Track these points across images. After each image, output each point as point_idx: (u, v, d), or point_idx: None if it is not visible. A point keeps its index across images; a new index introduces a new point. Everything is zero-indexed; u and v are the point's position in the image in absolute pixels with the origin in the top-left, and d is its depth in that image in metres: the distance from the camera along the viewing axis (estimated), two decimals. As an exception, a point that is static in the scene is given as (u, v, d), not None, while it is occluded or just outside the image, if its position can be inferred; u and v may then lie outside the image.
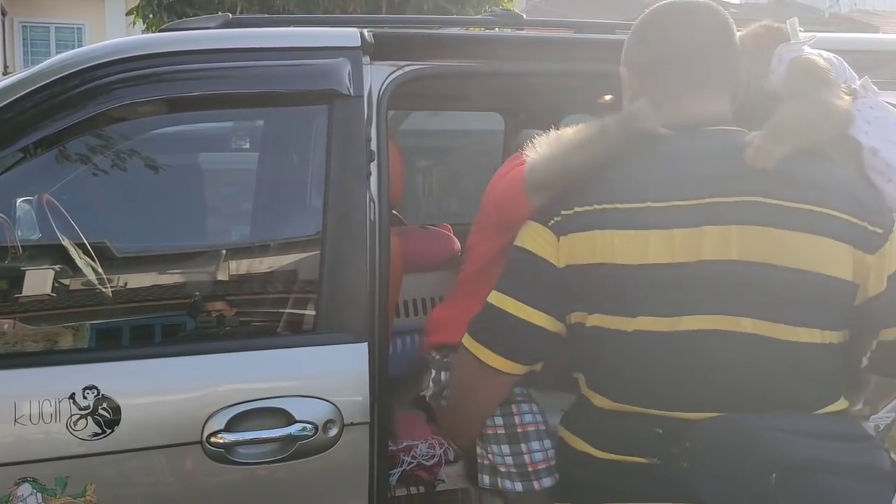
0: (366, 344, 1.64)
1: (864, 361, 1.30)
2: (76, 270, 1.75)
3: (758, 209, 1.18)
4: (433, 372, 1.61)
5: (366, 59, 1.75)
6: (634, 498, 1.20)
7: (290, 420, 1.57)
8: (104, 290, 1.77)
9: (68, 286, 1.76)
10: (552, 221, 1.27)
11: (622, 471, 1.22)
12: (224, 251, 1.82)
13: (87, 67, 1.65)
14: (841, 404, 1.23)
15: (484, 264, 1.55)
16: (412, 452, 1.92)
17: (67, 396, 1.49)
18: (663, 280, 1.18)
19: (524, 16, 2.28)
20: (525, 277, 1.30)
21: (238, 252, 1.83)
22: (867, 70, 2.16)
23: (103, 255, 1.78)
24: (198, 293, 1.81)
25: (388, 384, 1.67)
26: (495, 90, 2.59)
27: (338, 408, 1.59)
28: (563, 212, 1.26)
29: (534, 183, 1.36)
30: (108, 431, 1.51)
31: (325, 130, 1.71)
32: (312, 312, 1.69)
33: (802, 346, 1.19)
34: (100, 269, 1.76)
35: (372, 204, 1.70)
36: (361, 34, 1.75)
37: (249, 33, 1.79)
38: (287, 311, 1.79)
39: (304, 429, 1.57)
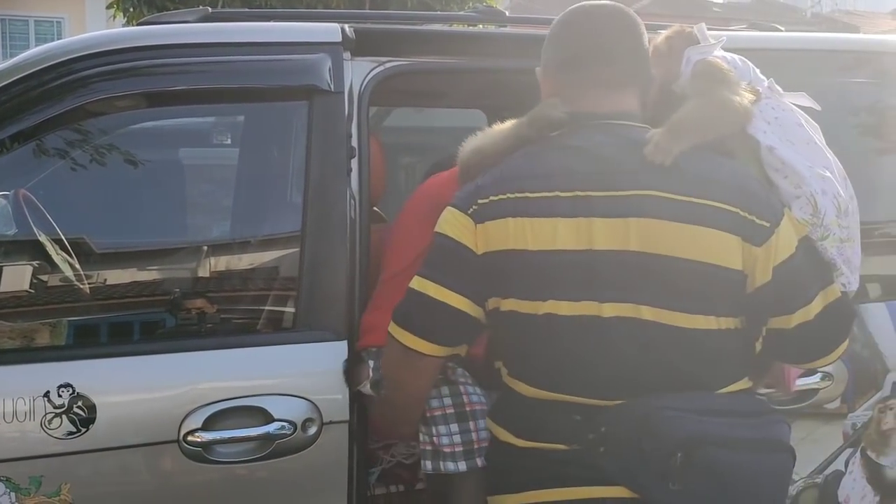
0: (345, 342, 1.63)
1: (758, 347, 1.37)
2: (54, 267, 1.72)
3: (654, 203, 1.24)
4: (370, 363, 1.61)
5: (346, 55, 1.74)
6: (555, 484, 1.26)
7: (269, 419, 1.56)
8: (81, 286, 1.75)
9: (46, 283, 1.73)
10: (470, 209, 1.31)
11: (543, 458, 1.27)
12: (202, 248, 1.80)
13: (65, 61, 1.63)
14: (743, 384, 1.30)
15: (410, 262, 1.55)
16: (391, 451, 1.92)
17: (42, 394, 1.47)
18: (570, 266, 1.25)
19: (507, 13, 2.28)
20: (446, 262, 1.34)
21: (216, 249, 1.81)
22: (849, 69, 2.20)
23: (81, 251, 1.76)
24: (176, 290, 1.79)
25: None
26: (478, 87, 2.58)
27: (317, 406, 1.58)
28: (479, 200, 1.30)
29: (462, 168, 1.44)
30: (84, 430, 1.49)
31: (305, 126, 1.69)
32: (292, 310, 1.68)
33: (700, 332, 1.25)
34: (77, 266, 1.73)
35: (352, 201, 1.69)
36: (342, 29, 1.74)
37: (229, 28, 1.78)
38: (266, 308, 1.77)
39: (282, 427, 1.56)
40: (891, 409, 1.94)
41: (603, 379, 1.26)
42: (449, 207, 1.35)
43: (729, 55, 1.51)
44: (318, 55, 1.71)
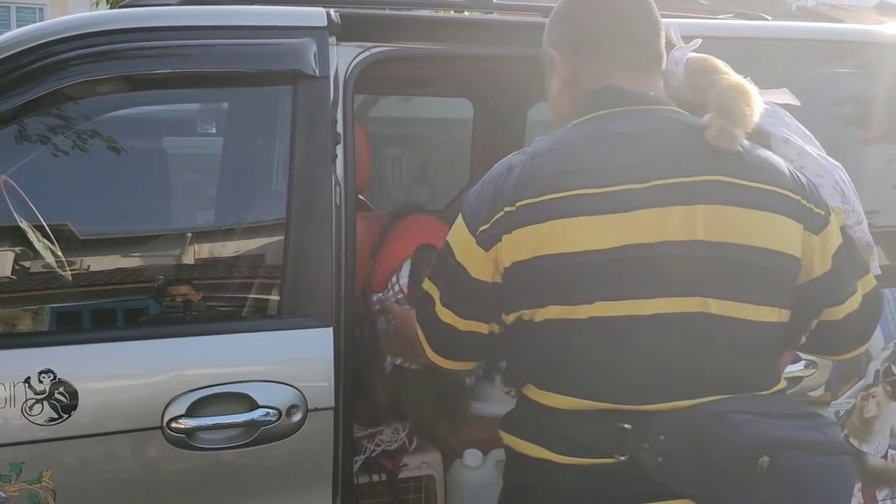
0: (331, 329, 1.62)
1: (803, 339, 1.33)
2: (35, 253, 1.70)
3: (722, 189, 1.17)
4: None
5: (332, 40, 1.72)
6: (605, 503, 1.15)
7: (253, 405, 1.55)
8: (63, 273, 1.73)
9: (28, 269, 1.71)
10: (482, 229, 1.21)
11: (588, 475, 1.16)
12: (186, 235, 1.78)
13: (44, 43, 1.61)
14: (782, 384, 1.25)
15: None
16: (376, 440, 1.91)
17: (23, 380, 1.46)
18: (625, 262, 1.15)
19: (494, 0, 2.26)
20: (455, 288, 1.26)
21: (200, 236, 1.79)
22: (834, 59, 2.20)
23: (62, 237, 1.73)
24: (159, 277, 1.77)
25: (353, 369, 1.65)
26: (464, 75, 2.57)
27: (302, 393, 1.57)
28: (506, 208, 1.19)
29: None
30: (65, 416, 1.47)
31: (290, 112, 1.68)
32: (276, 297, 1.66)
33: (764, 325, 1.19)
34: (59, 252, 1.71)
35: (337, 188, 1.68)
36: (328, 14, 1.72)
37: (212, 11, 1.75)
38: (251, 295, 1.76)
39: (267, 414, 1.55)
40: (873, 396, 1.96)
41: (657, 381, 1.15)
42: (460, 220, 1.25)
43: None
44: (302, 40, 1.69)
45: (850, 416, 1.94)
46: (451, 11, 2.53)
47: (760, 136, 1.34)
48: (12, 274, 1.69)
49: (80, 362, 1.52)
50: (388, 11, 1.97)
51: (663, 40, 1.32)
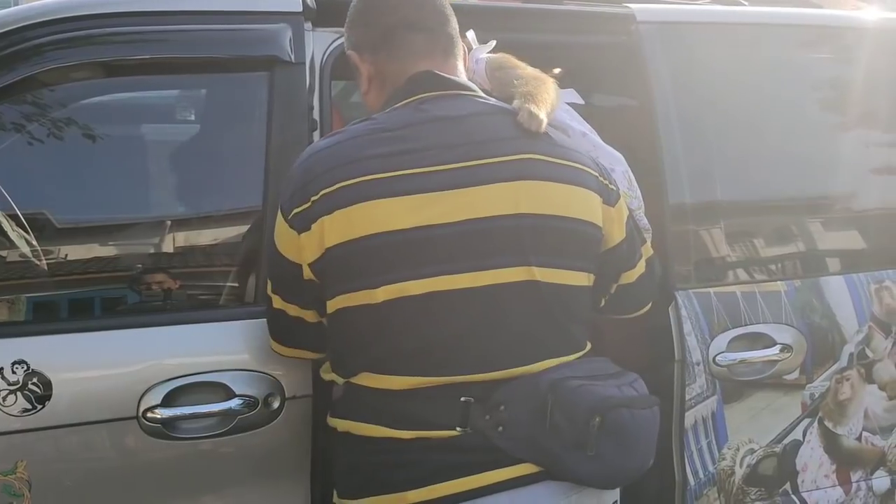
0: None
1: (602, 303, 1.46)
2: (11, 243, 1.68)
3: (538, 166, 1.28)
4: None
5: (308, 25, 1.71)
6: (450, 476, 1.21)
7: (230, 394, 1.54)
8: (39, 262, 1.71)
9: (4, 258, 1.69)
10: (294, 212, 1.25)
11: (433, 447, 1.21)
12: (161, 223, 1.76)
13: (16, 28, 1.58)
14: (589, 346, 1.36)
15: None
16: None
17: (-4, 371, 1.44)
18: (461, 237, 1.22)
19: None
20: (278, 273, 1.34)
21: (177, 224, 1.77)
22: (811, 45, 2.21)
23: (37, 226, 1.71)
24: (134, 266, 1.75)
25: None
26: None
27: (279, 381, 1.57)
28: (322, 191, 1.23)
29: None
30: (39, 407, 1.46)
31: (266, 98, 1.66)
32: (253, 285, 1.65)
33: (579, 289, 1.31)
34: (34, 242, 1.69)
35: None
36: (303, -1, 1.71)
37: (186, -5, 1.73)
38: (226, 284, 1.75)
39: (244, 403, 1.54)
40: (847, 379, 1.98)
41: (496, 350, 1.23)
42: (279, 210, 1.30)
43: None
44: (278, 25, 1.68)
45: (825, 398, 1.96)
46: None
47: (562, 130, 1.50)
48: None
49: (53, 353, 1.50)
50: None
51: (453, 24, 1.40)
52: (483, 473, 1.21)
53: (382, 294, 1.21)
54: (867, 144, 2.20)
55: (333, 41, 1.73)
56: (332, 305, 1.27)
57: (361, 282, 1.22)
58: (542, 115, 1.32)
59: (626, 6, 1.97)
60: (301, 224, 1.24)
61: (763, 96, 2.09)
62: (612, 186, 1.39)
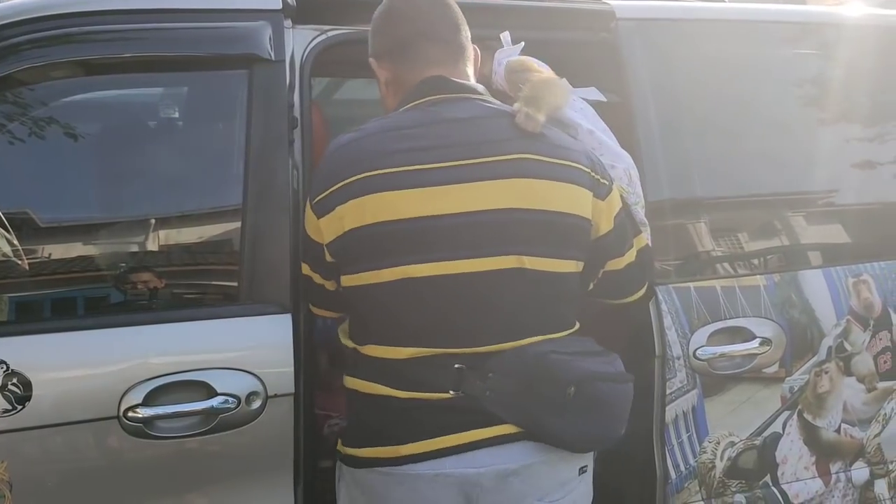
0: (289, 315, 1.62)
1: (591, 286, 1.56)
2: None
3: (532, 165, 1.41)
4: None
5: (287, 23, 1.71)
6: (442, 432, 1.37)
7: (212, 393, 1.54)
8: (20, 262, 1.70)
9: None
10: (317, 199, 1.42)
11: (428, 407, 1.38)
12: (142, 222, 1.75)
13: (-4, 27, 1.57)
14: (577, 325, 1.50)
15: None
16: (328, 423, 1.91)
17: (-25, 372, 1.44)
18: (461, 227, 1.37)
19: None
20: (306, 248, 1.51)
21: (157, 223, 1.77)
22: (793, 41, 2.22)
23: (16, 225, 1.70)
24: (115, 265, 1.75)
25: (313, 355, 1.65)
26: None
27: (261, 380, 1.57)
28: (340, 183, 1.39)
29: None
30: (19, 407, 1.46)
31: (246, 96, 1.66)
32: (234, 283, 1.65)
33: (567, 275, 1.45)
34: (15, 241, 1.68)
35: (295, 172, 1.67)
36: (283, -4, 1.70)
37: (165, -7, 1.72)
38: (208, 282, 1.75)
39: (226, 401, 1.55)
40: (826, 372, 2.00)
41: (486, 327, 1.39)
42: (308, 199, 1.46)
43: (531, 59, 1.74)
44: (257, 23, 1.68)
45: (804, 391, 1.98)
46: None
47: (569, 126, 1.61)
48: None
49: (33, 353, 1.50)
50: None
51: (465, 33, 1.52)
52: (469, 431, 1.37)
53: (388, 275, 1.37)
54: (846, 140, 2.22)
55: (314, 39, 1.73)
56: (345, 282, 1.44)
57: (369, 263, 1.39)
58: (540, 117, 1.44)
59: (606, 3, 1.98)
60: (321, 210, 1.41)
61: (743, 92, 2.10)
62: (605, 181, 1.49)
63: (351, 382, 1.47)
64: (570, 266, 1.44)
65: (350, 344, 1.49)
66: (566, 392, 1.36)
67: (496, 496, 1.39)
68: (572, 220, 1.42)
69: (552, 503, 1.43)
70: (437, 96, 1.45)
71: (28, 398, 1.46)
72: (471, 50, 1.53)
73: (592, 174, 1.46)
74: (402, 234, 1.36)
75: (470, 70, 1.52)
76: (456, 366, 1.37)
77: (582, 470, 1.48)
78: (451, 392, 1.37)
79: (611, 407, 1.43)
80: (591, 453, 1.51)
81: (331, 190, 1.39)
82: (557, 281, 1.43)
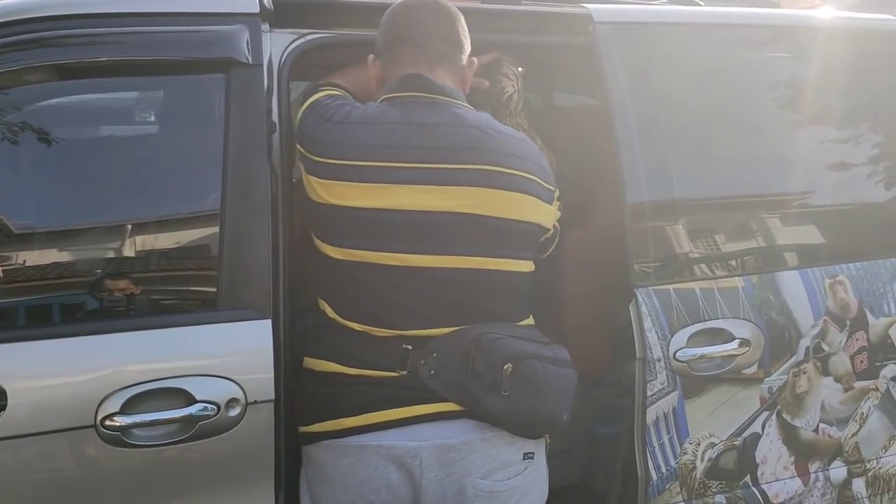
0: (269, 320, 1.60)
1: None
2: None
3: (491, 175, 1.52)
4: None
5: (265, 27, 1.70)
6: (387, 406, 1.48)
7: (191, 400, 1.53)
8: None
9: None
10: (308, 161, 1.54)
11: (375, 384, 1.49)
12: (119, 227, 1.73)
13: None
14: (531, 320, 1.63)
15: None
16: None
17: (-52, 382, 1.41)
18: (411, 224, 1.48)
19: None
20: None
21: (134, 228, 1.74)
22: (766, 44, 2.25)
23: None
24: (92, 271, 1.72)
25: (293, 360, 1.64)
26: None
27: (241, 386, 1.56)
28: (311, 156, 1.53)
29: None
30: (-6, 417, 1.43)
31: (223, 101, 1.65)
32: (213, 289, 1.64)
33: (516, 273, 1.56)
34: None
35: (273, 177, 1.65)
36: (260, 0, 1.69)
37: (142, -4, 1.70)
38: (187, 287, 1.73)
39: (205, 409, 1.53)
40: (804, 372, 2.01)
41: (432, 313, 1.50)
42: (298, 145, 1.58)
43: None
44: (234, 26, 1.66)
45: (783, 392, 2.00)
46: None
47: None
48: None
49: (8, 361, 1.48)
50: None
51: (453, 43, 1.62)
52: (412, 406, 1.48)
53: (340, 254, 1.51)
54: (821, 141, 2.24)
55: (291, 42, 1.72)
56: (315, 240, 1.56)
57: (326, 237, 1.53)
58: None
59: (584, 6, 1.99)
60: (304, 162, 1.56)
61: (720, 95, 2.12)
62: (551, 188, 1.62)
63: (306, 362, 1.58)
64: (522, 265, 1.57)
65: (320, 303, 1.58)
66: (503, 369, 1.45)
67: (437, 472, 1.48)
68: (527, 227, 1.56)
69: (497, 482, 1.50)
70: (411, 94, 1.55)
71: (3, 407, 1.44)
72: (458, 61, 1.63)
73: (545, 184, 1.59)
74: (357, 220, 1.48)
75: (448, 80, 1.60)
76: (404, 346, 1.48)
77: (527, 456, 1.54)
78: (399, 371, 1.48)
79: (548, 386, 1.51)
80: (541, 442, 1.58)
81: (312, 158, 1.53)
82: (509, 278, 1.55)
